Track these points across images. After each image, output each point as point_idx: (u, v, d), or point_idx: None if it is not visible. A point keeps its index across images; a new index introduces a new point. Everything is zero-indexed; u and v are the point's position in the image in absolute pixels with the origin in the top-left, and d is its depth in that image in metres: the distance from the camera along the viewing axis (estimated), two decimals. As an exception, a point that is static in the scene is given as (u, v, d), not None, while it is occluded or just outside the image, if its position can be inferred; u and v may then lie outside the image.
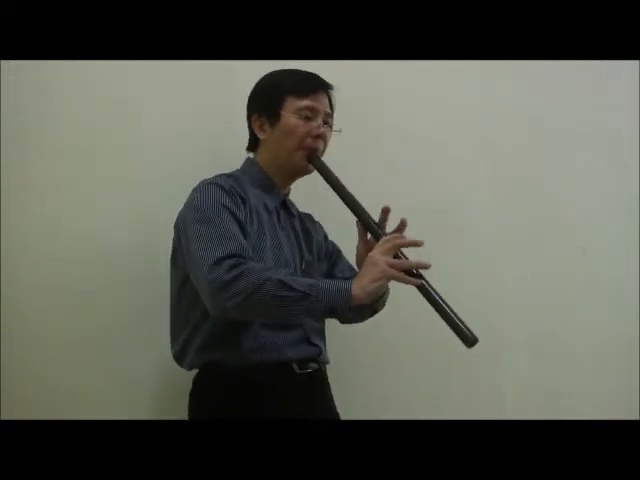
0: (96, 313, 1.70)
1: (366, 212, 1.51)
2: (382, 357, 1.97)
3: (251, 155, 1.63)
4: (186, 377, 1.55)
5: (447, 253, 2.07)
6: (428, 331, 1.77)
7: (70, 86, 1.73)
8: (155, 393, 1.74)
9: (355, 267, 1.58)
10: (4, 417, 1.56)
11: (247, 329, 1.46)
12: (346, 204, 1.53)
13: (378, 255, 1.39)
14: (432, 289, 1.39)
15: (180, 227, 1.48)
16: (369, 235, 1.51)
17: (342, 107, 1.64)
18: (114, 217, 1.73)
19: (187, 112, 1.80)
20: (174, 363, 1.57)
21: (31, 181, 1.68)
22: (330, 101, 1.60)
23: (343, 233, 1.65)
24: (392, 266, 1.37)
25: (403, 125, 2.04)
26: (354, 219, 1.52)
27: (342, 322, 1.62)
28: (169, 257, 1.55)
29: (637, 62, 2.24)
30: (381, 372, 1.96)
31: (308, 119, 1.54)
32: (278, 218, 1.59)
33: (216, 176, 1.53)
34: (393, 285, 1.57)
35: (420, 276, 1.39)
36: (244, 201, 1.49)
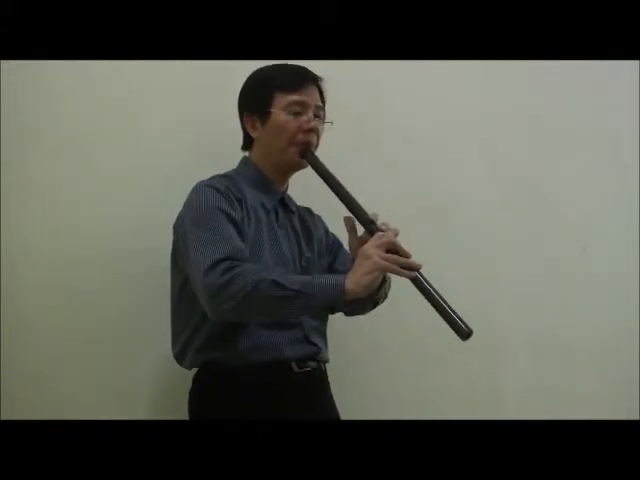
0: (96, 313, 1.70)
1: (361, 208, 1.49)
2: (382, 357, 1.96)
3: (247, 154, 1.62)
4: (186, 376, 1.55)
5: (447, 253, 2.07)
6: (428, 331, 1.77)
7: (70, 86, 1.73)
8: (155, 393, 1.74)
9: None
10: (4, 417, 1.56)
11: (245, 329, 1.46)
12: (340, 199, 1.51)
13: (371, 248, 1.39)
14: (426, 281, 1.39)
15: (179, 230, 1.49)
16: (359, 232, 1.50)
17: (342, 107, 1.64)
18: (114, 217, 1.73)
19: (187, 112, 1.80)
20: (174, 363, 1.57)
21: (31, 181, 1.68)
22: (321, 93, 1.59)
23: (343, 226, 1.63)
24: (384, 259, 1.37)
25: (403, 125, 2.04)
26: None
27: (347, 315, 1.64)
28: (169, 257, 1.55)
29: (637, 62, 2.24)
30: (381, 372, 1.96)
31: (298, 114, 1.53)
32: (276, 216, 1.58)
33: (212, 177, 1.53)
34: (393, 285, 1.58)
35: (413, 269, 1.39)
36: (240, 202, 1.49)
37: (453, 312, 1.37)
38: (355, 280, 1.36)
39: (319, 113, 1.57)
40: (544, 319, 2.16)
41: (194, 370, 1.54)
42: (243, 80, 1.61)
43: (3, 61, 1.62)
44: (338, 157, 1.90)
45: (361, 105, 1.99)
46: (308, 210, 1.73)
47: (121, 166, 1.75)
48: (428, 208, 2.06)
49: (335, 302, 1.39)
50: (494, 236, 2.13)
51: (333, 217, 1.70)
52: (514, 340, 2.12)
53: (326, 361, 1.61)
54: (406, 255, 1.41)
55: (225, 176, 1.56)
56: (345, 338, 1.78)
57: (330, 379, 1.61)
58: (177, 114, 1.80)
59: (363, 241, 1.45)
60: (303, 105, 1.54)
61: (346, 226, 1.50)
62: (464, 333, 1.36)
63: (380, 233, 1.42)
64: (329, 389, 1.61)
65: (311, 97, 1.55)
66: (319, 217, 1.74)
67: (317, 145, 1.58)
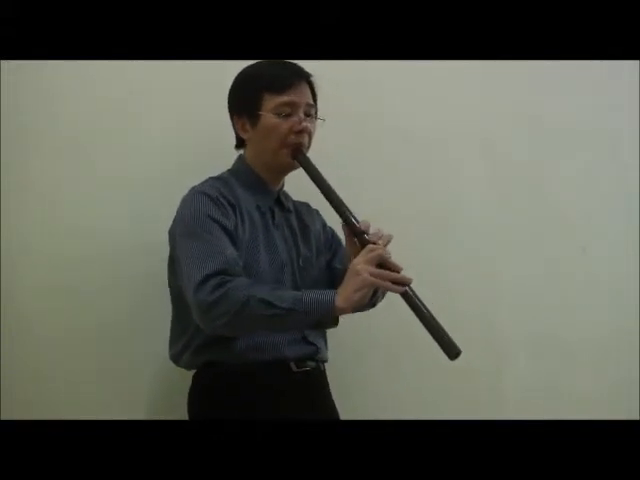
0: (96, 313, 1.70)
1: (351, 215, 1.45)
2: (381, 356, 1.96)
3: (242, 151, 1.61)
4: (186, 376, 1.55)
5: (447, 253, 2.07)
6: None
7: (70, 86, 1.73)
8: (155, 393, 1.74)
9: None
10: (4, 417, 1.56)
11: None
12: (331, 205, 1.49)
13: (361, 264, 1.36)
14: (416, 297, 1.37)
15: (173, 238, 1.49)
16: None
17: (342, 107, 1.64)
18: (114, 217, 1.73)
19: (187, 112, 1.80)
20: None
21: (31, 181, 1.68)
22: (312, 89, 1.56)
23: (341, 221, 1.62)
24: (374, 275, 1.34)
25: (403, 125, 2.04)
26: (352, 210, 1.48)
27: None
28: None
29: (637, 62, 2.24)
30: (380, 372, 1.96)
31: (289, 115, 1.51)
32: (272, 217, 1.57)
33: (205, 181, 1.52)
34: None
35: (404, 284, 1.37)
36: (234, 207, 1.48)
37: (442, 330, 1.34)
38: (345, 297, 1.34)
39: (310, 111, 1.54)
40: (544, 319, 2.16)
41: (193, 370, 1.54)
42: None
43: (3, 61, 1.62)
44: (338, 157, 1.91)
45: (361, 105, 1.99)
46: (306, 205, 1.71)
47: (121, 166, 1.75)
48: (428, 208, 2.06)
49: (323, 319, 1.36)
50: (494, 236, 2.13)
51: (332, 212, 1.69)
52: (514, 340, 2.12)
53: (325, 361, 1.60)
54: (396, 269, 1.38)
55: (219, 179, 1.54)
56: (344, 337, 1.78)
57: (329, 379, 1.61)
58: (177, 114, 1.80)
59: (357, 250, 1.42)
60: (293, 106, 1.51)
61: (344, 232, 1.49)
62: (452, 353, 1.33)
63: (370, 246, 1.38)
64: (328, 389, 1.61)
65: (301, 96, 1.52)
66: (317, 211, 1.71)
67: (309, 145, 1.55)
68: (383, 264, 1.37)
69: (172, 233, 1.50)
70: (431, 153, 2.09)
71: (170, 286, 1.55)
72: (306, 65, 1.58)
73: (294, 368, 1.51)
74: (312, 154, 1.55)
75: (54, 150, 1.71)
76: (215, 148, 1.78)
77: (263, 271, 1.49)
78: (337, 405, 1.61)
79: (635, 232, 2.29)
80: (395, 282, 1.36)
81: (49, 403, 1.63)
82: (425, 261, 2.01)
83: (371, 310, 1.62)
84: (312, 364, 1.54)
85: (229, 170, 1.60)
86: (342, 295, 1.35)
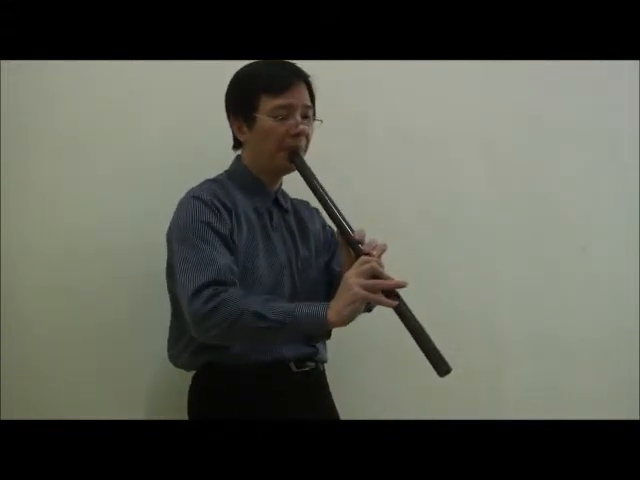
0: (96, 313, 1.70)
1: (345, 222, 1.44)
2: (381, 356, 1.97)
3: (240, 151, 1.60)
4: (186, 377, 1.55)
5: (447, 253, 2.07)
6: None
7: (70, 86, 1.73)
8: (155, 393, 1.74)
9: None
10: (4, 417, 1.56)
11: None
12: (327, 212, 1.47)
13: (353, 277, 1.34)
14: (409, 311, 1.35)
15: (169, 243, 1.49)
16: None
17: (342, 107, 1.64)
18: (114, 217, 1.73)
19: (187, 112, 1.80)
20: (174, 363, 1.58)
21: (31, 181, 1.68)
22: (310, 90, 1.54)
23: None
24: (366, 288, 1.33)
25: (403, 125, 2.04)
26: (352, 210, 1.48)
27: None
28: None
29: (637, 62, 2.24)
30: (380, 372, 1.96)
31: (285, 118, 1.49)
32: (270, 219, 1.56)
33: (201, 185, 1.51)
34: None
35: (397, 296, 1.35)
36: (230, 211, 1.47)
37: (434, 347, 1.32)
38: (337, 311, 1.33)
39: (307, 113, 1.52)
40: (544, 319, 2.16)
41: (193, 371, 1.54)
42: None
43: (3, 61, 1.62)
44: (338, 157, 1.91)
45: (361, 105, 1.99)
46: (305, 203, 1.69)
47: (121, 166, 1.75)
48: (428, 208, 2.06)
49: (315, 333, 1.36)
50: (494, 236, 2.13)
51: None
52: (514, 340, 2.12)
53: (324, 361, 1.60)
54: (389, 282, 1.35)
55: (215, 181, 1.54)
56: (343, 338, 1.78)
57: (329, 379, 1.62)
58: (177, 114, 1.80)
59: (353, 259, 1.40)
60: (290, 108, 1.49)
61: (339, 239, 1.48)
62: (442, 370, 1.31)
63: (363, 258, 1.37)
64: (328, 389, 1.61)
65: (298, 98, 1.50)
66: (316, 210, 1.69)
67: (307, 147, 1.53)
68: (376, 276, 1.35)
69: (169, 238, 1.50)
70: (431, 153, 2.09)
71: (169, 289, 1.55)
72: (305, 65, 1.57)
73: (294, 368, 1.51)
74: (311, 154, 1.55)
75: (54, 150, 1.71)
76: (215, 148, 1.78)
77: (262, 274, 1.49)
78: (337, 405, 1.61)
79: (635, 232, 2.29)
80: (388, 293, 1.34)
81: (49, 403, 1.64)
82: (425, 261, 2.02)
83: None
84: (311, 364, 1.54)
85: (226, 171, 1.59)
86: (334, 309, 1.34)
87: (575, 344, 2.18)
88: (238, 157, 1.60)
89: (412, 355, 1.91)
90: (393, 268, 1.40)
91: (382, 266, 1.38)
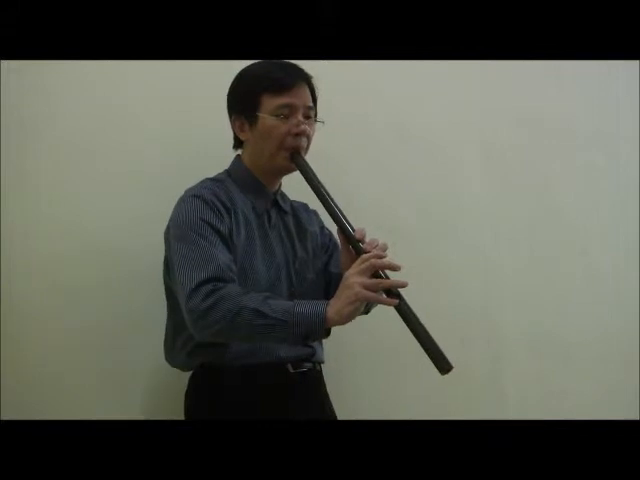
0: (96, 313, 1.70)
1: (346, 221, 1.43)
2: (380, 357, 1.96)
3: (239, 151, 1.60)
4: (183, 377, 1.55)
5: (447, 254, 2.07)
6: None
7: (70, 86, 1.73)
8: (153, 393, 1.74)
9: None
10: (4, 417, 1.56)
11: None
12: (328, 211, 1.47)
13: (353, 276, 1.33)
14: (410, 309, 1.34)
15: (167, 241, 1.49)
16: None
17: (342, 107, 1.64)
18: (114, 217, 1.73)
19: (187, 112, 1.80)
20: (173, 363, 1.57)
21: (31, 181, 1.68)
22: (312, 91, 1.54)
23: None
24: (367, 287, 1.32)
25: (403, 125, 2.04)
26: (352, 210, 1.48)
27: None
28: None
29: (637, 62, 2.24)
30: (379, 372, 1.96)
31: (287, 117, 1.49)
32: (269, 219, 1.56)
33: (201, 183, 1.51)
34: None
35: (398, 295, 1.34)
36: (229, 210, 1.46)
37: (435, 345, 1.31)
38: (337, 310, 1.32)
39: (309, 113, 1.52)
40: (544, 319, 2.16)
41: (189, 371, 1.54)
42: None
43: (3, 61, 1.62)
44: (338, 157, 1.91)
45: (361, 105, 1.99)
46: (304, 206, 1.70)
47: (121, 166, 1.75)
48: (428, 208, 2.06)
49: (314, 332, 1.34)
50: (494, 236, 2.13)
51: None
52: (514, 340, 2.12)
53: (321, 362, 1.60)
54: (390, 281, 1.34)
55: (215, 180, 1.54)
56: (341, 338, 1.78)
57: (326, 379, 1.61)
58: (177, 114, 1.80)
59: (353, 257, 1.40)
60: (292, 108, 1.49)
61: (340, 239, 1.48)
62: (444, 368, 1.29)
63: (364, 256, 1.36)
64: (325, 389, 1.61)
65: (300, 98, 1.50)
66: (315, 212, 1.70)
67: (308, 147, 1.53)
68: (377, 274, 1.34)
69: (167, 235, 1.49)
70: (430, 153, 2.09)
71: (165, 286, 1.55)
72: (306, 65, 1.57)
73: (291, 369, 1.51)
74: (312, 153, 1.55)
75: (54, 150, 1.71)
76: (215, 148, 1.78)
77: (259, 274, 1.49)
78: (334, 406, 1.61)
79: (635, 232, 2.29)
80: (389, 290, 1.34)
81: (49, 403, 1.63)
82: (425, 260, 2.02)
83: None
84: (309, 365, 1.54)
85: (226, 170, 1.59)
86: (334, 308, 1.33)
87: (575, 344, 2.18)
88: (238, 157, 1.60)
89: (411, 355, 1.91)
90: (393, 268, 1.40)
91: (386, 257, 1.36)
